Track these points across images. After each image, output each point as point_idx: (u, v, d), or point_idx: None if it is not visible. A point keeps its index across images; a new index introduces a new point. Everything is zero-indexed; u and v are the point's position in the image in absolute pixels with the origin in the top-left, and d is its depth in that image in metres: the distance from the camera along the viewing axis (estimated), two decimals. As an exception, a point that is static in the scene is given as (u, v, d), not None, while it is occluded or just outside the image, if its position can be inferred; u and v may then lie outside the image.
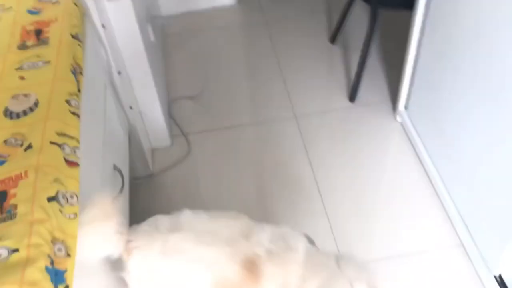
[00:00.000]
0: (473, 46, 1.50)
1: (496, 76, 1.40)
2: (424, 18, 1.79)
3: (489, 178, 1.52)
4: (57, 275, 0.87)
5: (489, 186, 1.52)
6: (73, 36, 1.35)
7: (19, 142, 1.06)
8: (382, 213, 1.84)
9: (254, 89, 2.43)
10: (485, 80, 1.46)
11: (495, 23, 1.37)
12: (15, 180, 0.98)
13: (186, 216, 1.19)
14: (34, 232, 0.89)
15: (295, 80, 2.43)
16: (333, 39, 2.61)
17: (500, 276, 1.56)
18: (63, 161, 1.04)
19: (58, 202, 0.97)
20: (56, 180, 1.00)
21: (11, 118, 1.12)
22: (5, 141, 1.07)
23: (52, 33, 1.35)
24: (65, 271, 0.90)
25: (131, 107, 1.83)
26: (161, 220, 1.17)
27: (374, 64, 2.44)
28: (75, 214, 1.00)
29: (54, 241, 0.91)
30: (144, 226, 1.17)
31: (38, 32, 1.36)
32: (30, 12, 1.45)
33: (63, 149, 1.06)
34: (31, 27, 1.38)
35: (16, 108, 1.14)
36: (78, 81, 1.25)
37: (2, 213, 0.92)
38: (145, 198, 1.95)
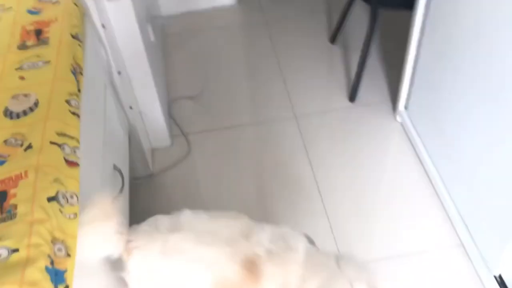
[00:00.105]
0: (473, 46, 1.50)
1: (496, 76, 1.40)
2: (424, 18, 1.79)
3: (489, 178, 1.52)
4: (57, 275, 0.87)
5: (489, 186, 1.52)
6: (73, 36, 1.35)
7: (19, 142, 1.06)
8: (382, 213, 1.84)
9: (254, 89, 2.43)
10: (485, 80, 1.46)
11: (495, 23, 1.37)
12: (15, 180, 0.98)
13: (186, 216, 1.19)
14: (34, 232, 0.89)
15: (295, 80, 2.43)
16: (333, 39, 2.61)
17: (500, 276, 1.56)
18: (63, 161, 1.04)
19: (58, 202, 0.97)
20: (56, 180, 1.00)
21: (11, 118, 1.12)
22: (5, 141, 1.07)
23: (52, 33, 1.35)
24: (65, 271, 0.90)
25: (131, 107, 1.83)
26: (161, 220, 1.17)
27: (374, 64, 2.44)
28: (75, 214, 1.00)
29: (54, 241, 0.91)
30: (144, 226, 1.17)
31: (38, 32, 1.36)
32: (30, 12, 1.45)
33: (63, 149, 1.06)
34: (31, 27, 1.38)
35: (16, 108, 1.14)
36: (78, 81, 1.25)
37: (2, 213, 0.92)
38: (145, 198, 1.95)
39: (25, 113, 1.12)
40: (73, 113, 1.15)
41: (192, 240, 1.13)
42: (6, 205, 0.94)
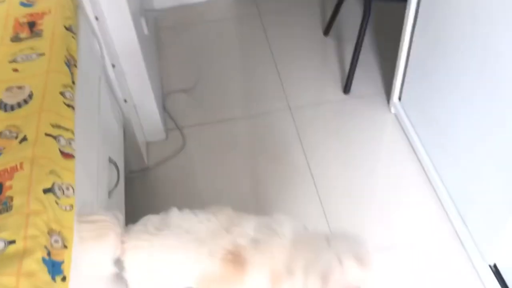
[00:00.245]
0: (467, 37, 1.50)
1: (489, 67, 1.40)
2: (417, 9, 1.80)
3: (482, 167, 1.52)
4: (54, 266, 0.87)
5: (483, 175, 1.53)
6: (66, 28, 1.34)
7: (14, 135, 1.05)
8: (375, 203, 1.85)
9: (248, 82, 2.43)
10: (478, 70, 1.46)
11: (488, 14, 1.37)
12: (11, 172, 0.97)
13: (174, 214, 1.20)
14: (31, 224, 0.89)
15: (289, 72, 2.43)
16: (326, 31, 2.61)
17: (494, 265, 1.57)
18: (59, 152, 1.04)
19: (54, 193, 0.96)
20: (52, 171, 0.99)
21: (5, 110, 1.11)
22: (0, 134, 1.06)
23: (45, 25, 1.34)
24: (62, 262, 0.90)
25: (125, 100, 1.82)
26: (152, 219, 1.19)
27: (368, 56, 2.45)
28: (71, 206, 1.00)
29: (50, 232, 0.91)
30: (137, 226, 1.19)
31: (32, 25, 1.35)
32: (23, 4, 1.44)
33: (58, 141, 1.05)
34: (24, 19, 1.37)
35: (10, 100, 1.13)
36: (72, 73, 1.24)
37: (-2, 205, 0.92)
38: (140, 192, 1.95)
39: (19, 105, 1.12)
40: (68, 105, 1.15)
41: (176, 239, 1.15)
42: (1, 197, 0.93)
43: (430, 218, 1.79)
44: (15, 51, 1.27)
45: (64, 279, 0.88)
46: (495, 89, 1.39)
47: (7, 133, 1.06)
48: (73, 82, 1.23)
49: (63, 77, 1.20)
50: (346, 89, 2.28)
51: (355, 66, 2.23)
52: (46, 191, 0.95)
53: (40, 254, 0.85)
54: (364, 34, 2.16)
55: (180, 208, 1.22)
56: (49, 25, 1.34)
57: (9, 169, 0.98)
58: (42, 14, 1.38)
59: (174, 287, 1.25)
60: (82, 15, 1.51)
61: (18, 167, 0.98)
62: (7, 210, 0.91)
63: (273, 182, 1.96)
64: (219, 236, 1.14)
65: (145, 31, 2.07)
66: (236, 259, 1.11)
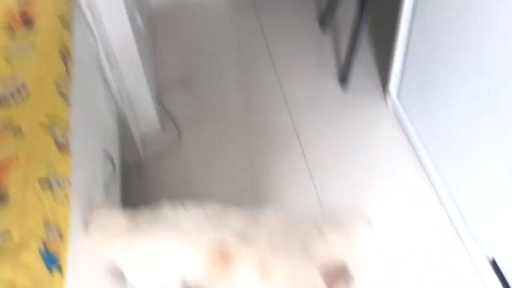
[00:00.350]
0: (464, 29, 1.50)
1: (486, 58, 1.40)
2: (414, 1, 1.79)
3: (479, 158, 1.53)
4: (50, 258, 0.87)
5: (480, 168, 1.53)
6: (60, 20, 1.33)
7: (8, 126, 1.04)
8: (371, 197, 1.85)
9: (244, 75, 2.42)
10: (475, 62, 1.46)
11: (485, 4, 1.37)
12: (6, 164, 0.96)
13: (164, 208, 1.21)
14: (27, 216, 0.88)
15: (285, 66, 2.42)
16: (323, 24, 2.61)
17: (493, 259, 1.57)
18: (54, 144, 1.03)
19: (50, 185, 0.96)
20: (47, 163, 0.99)
21: (-1, 102, 1.11)
22: (-6, 125, 1.05)
23: (39, 17, 1.33)
24: (58, 254, 0.89)
25: (120, 94, 1.81)
26: (143, 213, 1.20)
27: (364, 49, 2.44)
28: (67, 198, 0.99)
29: (46, 224, 0.90)
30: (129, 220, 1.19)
31: (25, 16, 1.33)
32: (16, -4, 1.42)
33: (53, 132, 1.05)
34: (17, 11, 1.35)
35: (4, 91, 1.12)
36: (66, 65, 1.23)
37: (-7, 197, 0.91)
38: (136, 185, 1.94)
39: (13, 97, 1.10)
40: (63, 97, 1.14)
41: (164, 232, 1.15)
42: (-3, 189, 0.93)
43: (427, 212, 1.79)
44: (8, 42, 1.26)
45: (60, 270, 0.88)
46: (492, 80, 1.39)
47: (1, 124, 1.05)
48: (68, 74, 1.22)
49: (57, 69, 1.19)
50: (343, 82, 2.27)
51: (352, 60, 2.23)
52: (42, 183, 0.95)
53: (36, 246, 0.85)
54: (360, 27, 2.15)
55: (173, 201, 1.22)
56: (43, 17, 1.33)
57: (4, 161, 0.97)
58: (35, 6, 1.37)
59: (167, 281, 1.25)
60: (77, 8, 1.49)
61: (13, 159, 0.97)
62: (3, 202, 0.90)
63: (269, 176, 1.95)
64: (206, 231, 1.14)
65: (140, 24, 2.05)
66: (223, 255, 1.12)
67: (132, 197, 1.79)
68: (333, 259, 1.00)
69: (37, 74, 1.15)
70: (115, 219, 1.17)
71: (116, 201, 1.56)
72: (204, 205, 1.21)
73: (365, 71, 2.34)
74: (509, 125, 1.34)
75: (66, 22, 1.34)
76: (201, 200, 1.23)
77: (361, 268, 1.02)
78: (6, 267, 0.80)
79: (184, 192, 1.90)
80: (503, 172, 1.41)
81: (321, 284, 0.99)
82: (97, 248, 1.14)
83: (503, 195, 1.43)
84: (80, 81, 1.32)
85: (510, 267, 1.50)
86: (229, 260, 1.11)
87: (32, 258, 0.83)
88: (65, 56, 1.24)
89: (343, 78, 2.27)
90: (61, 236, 0.92)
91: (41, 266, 0.84)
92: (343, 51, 2.36)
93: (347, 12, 2.56)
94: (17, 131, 1.03)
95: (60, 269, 0.88)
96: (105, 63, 1.69)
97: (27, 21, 1.32)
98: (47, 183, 0.95)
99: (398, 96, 2.09)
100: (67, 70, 1.22)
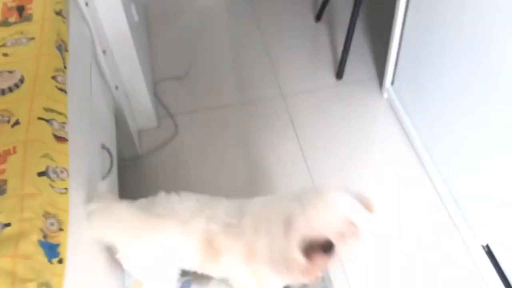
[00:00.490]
0: (459, 20, 1.50)
1: (482, 49, 1.41)
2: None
3: (474, 147, 1.53)
4: (50, 249, 0.87)
5: (475, 156, 1.54)
6: (56, 13, 1.32)
7: (6, 119, 1.04)
8: (368, 185, 1.86)
9: (240, 68, 2.42)
10: (470, 54, 1.47)
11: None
12: (4, 155, 0.96)
13: (160, 197, 1.22)
14: (26, 207, 0.88)
15: (281, 58, 2.42)
16: (318, 17, 2.61)
17: (487, 246, 1.58)
18: (52, 136, 1.03)
19: (49, 177, 0.96)
20: (46, 155, 0.98)
21: (-4, 95, 1.10)
22: (-8, 118, 1.05)
23: (34, 9, 1.32)
24: (58, 245, 0.89)
25: (116, 87, 1.81)
26: (140, 201, 1.22)
27: (360, 41, 2.44)
28: (66, 189, 0.99)
29: (46, 215, 0.90)
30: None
31: (21, 9, 1.33)
32: (11, -11, 1.42)
33: (51, 124, 1.04)
34: (13, 4, 1.35)
35: (1, 84, 1.11)
36: (63, 58, 1.22)
37: (-9, 188, 0.91)
38: (133, 179, 1.93)
39: (10, 89, 1.10)
40: (60, 89, 1.13)
41: (154, 223, 1.16)
42: (-5, 180, 0.92)
43: (423, 200, 1.80)
44: (4, 35, 1.25)
45: (60, 261, 0.88)
46: (489, 72, 1.39)
47: (-1, 117, 1.05)
48: (65, 67, 1.22)
49: (54, 61, 1.18)
50: (339, 74, 2.28)
51: (348, 51, 2.23)
52: (40, 174, 0.95)
53: (36, 236, 0.85)
54: (356, 19, 2.15)
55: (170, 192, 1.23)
56: (39, 10, 1.32)
57: (2, 153, 0.97)
58: (30, -1, 1.36)
59: (164, 269, 1.26)
60: (72, 0, 1.49)
61: (12, 150, 0.97)
62: (1, 194, 0.91)
63: (266, 168, 1.95)
64: (198, 219, 1.15)
65: (135, 17, 2.04)
66: (212, 245, 1.13)
67: (128, 191, 1.79)
68: (314, 233, 0.95)
69: (34, 67, 1.14)
70: (115, 204, 1.18)
71: (114, 194, 1.56)
72: (195, 195, 1.22)
73: (361, 63, 2.35)
74: (503, 113, 1.35)
75: (62, 15, 1.33)
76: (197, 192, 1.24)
77: (347, 239, 0.97)
78: (6, 258, 0.80)
79: (181, 186, 1.89)
80: (497, 158, 1.42)
81: (300, 257, 0.96)
82: (98, 233, 1.14)
83: (498, 181, 1.44)
84: (76, 74, 1.32)
85: (503, 252, 1.52)
86: (218, 249, 1.12)
87: (32, 248, 0.83)
88: (62, 48, 1.24)
89: (339, 70, 2.27)
90: (60, 227, 0.92)
91: (41, 256, 0.84)
92: (339, 44, 2.37)
93: (342, 5, 2.56)
94: (15, 123, 1.02)
95: (60, 259, 0.88)
96: (100, 56, 1.68)
97: (23, 13, 1.31)
98: (46, 175, 0.95)
99: (394, 88, 2.10)
100: (64, 62, 1.21)
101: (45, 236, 0.87)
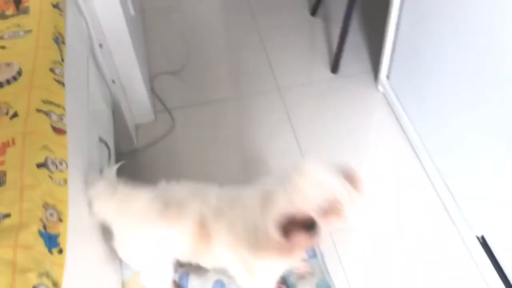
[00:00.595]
0: (455, 12, 1.51)
1: (478, 41, 1.41)
2: (405, -14, 1.80)
3: (470, 140, 1.55)
4: (50, 239, 0.88)
5: (471, 148, 1.55)
6: (53, 6, 1.32)
7: (4, 111, 1.04)
8: (364, 178, 1.86)
9: (237, 63, 2.42)
10: (465, 47, 1.47)
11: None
12: (3, 147, 0.97)
13: (161, 184, 1.25)
14: (25, 198, 0.89)
15: (277, 52, 2.43)
16: (314, 11, 2.61)
17: (482, 237, 1.60)
18: (50, 128, 1.03)
19: (48, 168, 0.96)
20: (44, 147, 0.99)
21: (-6, 87, 1.10)
22: (-10, 110, 1.05)
23: (31, 2, 1.32)
24: (58, 235, 0.90)
25: (113, 81, 1.81)
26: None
27: (355, 35, 2.45)
28: (65, 180, 1.00)
29: (45, 206, 0.91)
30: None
31: (17, 1, 1.32)
32: (8, -18, 1.41)
33: (49, 116, 1.05)
34: (10, -3, 1.35)
35: (-1, 77, 1.12)
36: (61, 50, 1.23)
37: (-10, 180, 0.92)
38: (130, 174, 1.93)
39: (8, 82, 1.10)
40: (58, 82, 1.14)
41: (148, 210, 1.18)
42: (-6, 172, 0.93)
43: (418, 191, 1.82)
44: (1, 28, 1.25)
45: (60, 251, 0.89)
46: (483, 65, 1.40)
47: (-2, 109, 1.05)
48: (62, 59, 1.22)
49: (52, 54, 1.18)
50: (334, 68, 2.28)
51: (343, 45, 2.24)
52: (39, 165, 0.95)
53: (36, 227, 0.86)
54: (351, 13, 2.16)
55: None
56: (36, 2, 1.32)
57: (1, 145, 0.97)
58: (27, -9, 1.36)
59: (158, 254, 1.27)
60: (68, -7, 1.49)
61: (10, 142, 0.97)
62: (1, 185, 0.91)
63: (262, 162, 1.96)
64: (191, 201, 1.16)
65: (132, 12, 2.04)
66: (203, 229, 1.13)
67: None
68: (294, 209, 0.90)
69: (32, 59, 1.15)
70: (114, 189, 1.20)
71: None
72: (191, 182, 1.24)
73: (356, 57, 2.36)
74: (497, 105, 1.36)
75: (59, 7, 1.33)
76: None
77: (330, 217, 0.92)
78: (6, 248, 0.81)
79: (177, 180, 1.90)
80: (490, 149, 1.44)
81: (276, 234, 0.91)
82: (102, 214, 1.16)
83: (493, 172, 1.45)
84: (74, 67, 1.32)
85: (498, 243, 1.53)
86: (209, 233, 1.12)
87: (32, 238, 0.84)
88: (59, 41, 1.24)
89: (335, 65, 2.28)
90: (60, 218, 0.93)
91: (41, 247, 0.84)
92: (335, 38, 2.37)
93: (337, 0, 2.57)
94: (13, 115, 1.03)
95: (60, 249, 0.88)
96: (97, 50, 1.68)
97: (20, 6, 1.31)
98: (45, 166, 0.96)
99: (389, 81, 2.11)
100: (61, 55, 1.22)
101: (45, 227, 0.87)
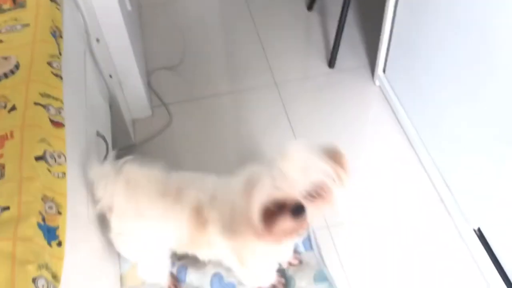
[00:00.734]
0: (451, 7, 1.51)
1: (473, 34, 1.42)
2: (401, -20, 1.81)
3: (466, 133, 1.55)
4: (49, 232, 0.88)
5: (467, 141, 1.56)
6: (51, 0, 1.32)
7: (2, 104, 1.04)
8: (360, 175, 1.87)
9: (233, 57, 2.42)
10: (461, 41, 1.48)
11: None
12: (1, 140, 0.97)
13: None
14: (24, 190, 0.89)
15: (274, 47, 2.43)
16: (310, 5, 2.61)
17: (479, 229, 1.61)
18: (48, 121, 1.04)
19: (46, 161, 0.96)
20: (43, 140, 0.99)
21: (-8, 81, 1.10)
22: (-12, 104, 1.05)
23: (29, -5, 1.32)
24: (57, 228, 0.90)
25: (110, 76, 1.81)
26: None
27: (352, 29, 2.46)
28: (64, 173, 1.00)
29: (44, 199, 0.91)
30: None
31: (15, -5, 1.33)
32: (4, -24, 1.41)
33: (48, 109, 1.05)
34: (7, -10, 1.35)
35: (-3, 71, 1.12)
36: (58, 44, 1.23)
37: (-11, 173, 0.92)
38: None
39: (6, 75, 1.10)
40: (56, 75, 1.14)
41: (149, 199, 1.17)
42: (-7, 165, 0.93)
43: (415, 185, 1.82)
44: (-1, 22, 1.25)
45: (59, 244, 0.89)
46: (480, 60, 1.41)
47: (-5, 103, 1.05)
48: (60, 53, 1.22)
49: (50, 47, 1.18)
50: (331, 62, 2.29)
51: (340, 39, 2.24)
52: (38, 158, 0.95)
53: (35, 219, 0.86)
54: (348, 8, 2.16)
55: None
56: (33, -4, 1.32)
57: (-1, 138, 0.97)
58: (24, -15, 1.36)
59: (155, 245, 1.27)
60: (65, -12, 1.49)
61: (9, 135, 0.98)
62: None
63: (259, 156, 1.96)
64: (188, 188, 1.16)
65: (128, 7, 2.04)
66: (199, 214, 1.13)
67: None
68: (280, 193, 0.87)
69: (29, 53, 1.15)
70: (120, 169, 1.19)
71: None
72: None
73: (353, 51, 2.36)
74: (494, 99, 1.37)
75: (56, 1, 1.33)
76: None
77: (317, 202, 0.90)
78: (6, 240, 0.81)
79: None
80: (487, 142, 1.44)
81: (258, 219, 0.88)
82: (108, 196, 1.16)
83: (489, 165, 1.46)
84: (71, 61, 1.32)
85: (495, 235, 1.54)
86: (205, 219, 1.12)
87: (32, 231, 0.84)
88: (57, 35, 1.24)
89: (331, 59, 2.28)
90: (59, 211, 0.93)
91: (40, 239, 0.85)
92: (331, 32, 2.38)
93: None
94: (11, 108, 1.03)
95: (59, 242, 0.89)
96: (94, 45, 1.68)
97: (17, 1, 1.31)
98: (43, 159, 0.96)
99: (386, 75, 2.11)
100: (59, 49, 1.22)
101: (44, 219, 0.88)
